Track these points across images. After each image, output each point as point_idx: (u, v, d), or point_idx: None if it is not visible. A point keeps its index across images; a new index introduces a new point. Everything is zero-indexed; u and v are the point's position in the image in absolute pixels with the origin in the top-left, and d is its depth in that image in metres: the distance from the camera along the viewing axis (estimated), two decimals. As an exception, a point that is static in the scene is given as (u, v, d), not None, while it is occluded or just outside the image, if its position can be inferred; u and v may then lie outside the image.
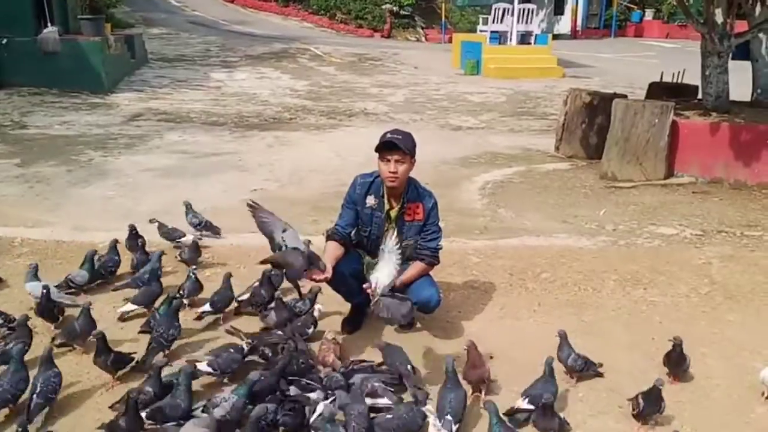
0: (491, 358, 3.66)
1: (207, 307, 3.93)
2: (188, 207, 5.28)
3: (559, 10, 30.67)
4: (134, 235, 4.67)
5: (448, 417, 2.90)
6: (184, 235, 4.93)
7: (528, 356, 3.67)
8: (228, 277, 4.05)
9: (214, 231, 5.32)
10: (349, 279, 3.82)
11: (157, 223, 4.97)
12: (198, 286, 4.10)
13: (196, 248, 4.73)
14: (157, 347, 3.37)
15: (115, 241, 4.52)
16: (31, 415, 2.86)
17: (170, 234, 4.94)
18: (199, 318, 3.95)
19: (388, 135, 3.63)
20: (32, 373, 3.01)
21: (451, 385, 3.02)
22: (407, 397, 3.12)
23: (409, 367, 3.27)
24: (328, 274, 3.53)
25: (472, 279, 4.70)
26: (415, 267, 3.79)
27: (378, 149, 3.63)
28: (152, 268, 4.11)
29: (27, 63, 12.18)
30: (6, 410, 2.97)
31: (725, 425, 3.15)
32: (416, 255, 3.80)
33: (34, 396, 2.90)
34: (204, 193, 6.67)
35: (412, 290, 3.78)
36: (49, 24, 12.73)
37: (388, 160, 3.59)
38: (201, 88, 14.04)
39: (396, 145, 3.56)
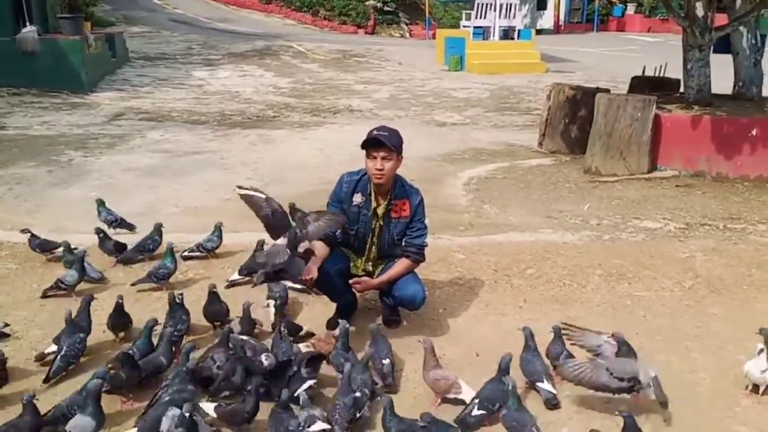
0: (477, 355, 3.65)
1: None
2: (101, 204, 5.23)
3: (541, 4, 30.63)
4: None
5: None
6: (59, 246, 4.65)
7: (514, 352, 3.65)
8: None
9: (129, 228, 5.27)
10: (335, 278, 3.79)
11: (29, 234, 4.78)
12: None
13: None
14: None
15: (160, 224, 4.84)
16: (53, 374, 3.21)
17: (44, 246, 4.75)
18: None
19: (375, 132, 3.61)
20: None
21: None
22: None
23: (387, 361, 3.29)
24: (314, 274, 3.51)
25: (457, 276, 4.68)
26: (401, 264, 3.78)
27: (364, 146, 3.61)
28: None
29: (6, 63, 11.99)
30: None
31: (711, 419, 3.15)
32: (402, 252, 3.78)
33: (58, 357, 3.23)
34: (186, 192, 6.61)
35: (398, 287, 3.78)
36: (27, 23, 12.55)
37: (375, 157, 3.57)
38: (183, 86, 13.92)
39: (382, 142, 3.54)
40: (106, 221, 5.18)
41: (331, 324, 3.89)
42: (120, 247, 4.78)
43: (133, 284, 4.33)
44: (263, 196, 3.48)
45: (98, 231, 4.81)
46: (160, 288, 4.29)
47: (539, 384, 3.24)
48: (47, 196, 6.37)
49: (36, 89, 12.09)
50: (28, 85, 12.14)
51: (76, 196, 6.42)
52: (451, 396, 3.18)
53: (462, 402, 3.14)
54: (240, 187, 3.54)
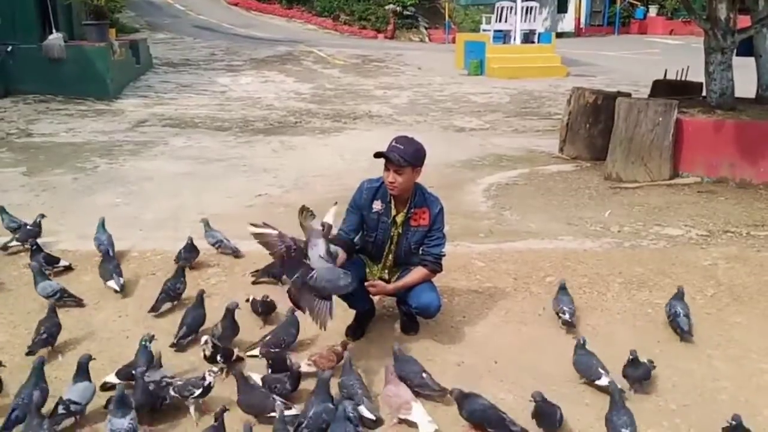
0: (495, 363, 3.67)
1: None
2: (2, 210, 5.20)
3: (562, 8, 30.56)
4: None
5: None
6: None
7: (533, 361, 3.68)
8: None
9: (30, 235, 5.00)
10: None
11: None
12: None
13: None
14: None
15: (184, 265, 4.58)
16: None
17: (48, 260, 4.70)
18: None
19: (393, 143, 3.62)
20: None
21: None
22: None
23: (424, 375, 3.28)
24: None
25: (477, 283, 4.69)
26: (418, 272, 3.80)
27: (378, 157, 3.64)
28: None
29: (32, 70, 12.23)
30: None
31: (732, 429, 3.13)
32: (419, 260, 3.81)
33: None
34: (209, 199, 6.69)
35: (413, 295, 3.80)
36: (54, 30, 12.73)
37: (388, 169, 3.60)
38: (206, 92, 14.08)
39: (389, 158, 3.56)
40: (9, 228, 5.12)
41: (351, 331, 3.93)
42: (51, 260, 4.67)
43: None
44: (275, 233, 3.33)
45: (32, 243, 4.76)
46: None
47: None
48: (73, 203, 6.49)
49: (62, 96, 12.31)
50: (54, 92, 12.36)
51: (102, 203, 6.53)
52: (401, 415, 3.09)
53: (412, 424, 3.07)
54: (253, 225, 3.41)
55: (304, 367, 3.40)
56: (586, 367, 3.44)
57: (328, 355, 3.53)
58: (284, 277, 3.73)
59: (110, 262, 4.55)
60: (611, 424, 2.93)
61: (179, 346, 3.75)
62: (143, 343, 3.32)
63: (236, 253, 5.06)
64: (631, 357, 3.37)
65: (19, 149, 8.74)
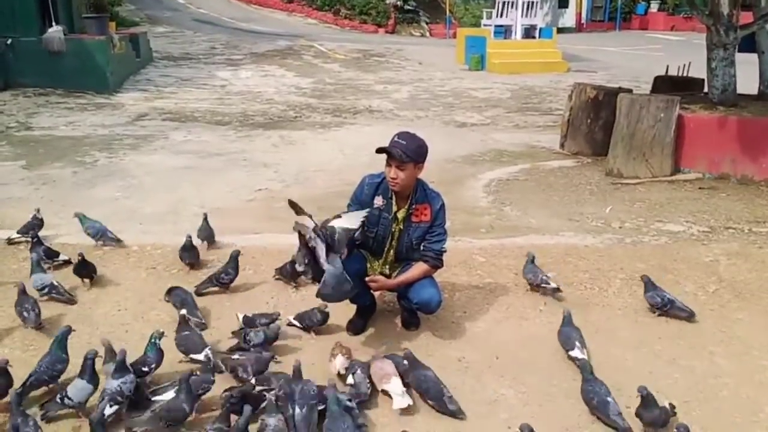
0: (497, 358, 3.66)
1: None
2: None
3: (563, 3, 30.48)
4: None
5: None
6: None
7: (534, 356, 3.67)
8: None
9: None
10: (353, 279, 3.80)
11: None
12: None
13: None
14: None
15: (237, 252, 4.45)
16: None
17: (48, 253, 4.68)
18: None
19: (395, 138, 3.60)
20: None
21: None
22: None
23: (445, 391, 3.20)
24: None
25: (478, 279, 4.68)
26: (418, 267, 3.78)
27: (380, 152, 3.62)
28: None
29: (32, 63, 12.18)
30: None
31: (734, 425, 3.13)
32: (420, 256, 3.79)
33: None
34: (209, 193, 6.68)
35: (413, 290, 3.78)
36: (53, 23, 12.70)
37: (390, 165, 3.58)
38: (206, 86, 14.04)
39: (391, 154, 3.55)
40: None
41: (353, 326, 3.92)
42: (51, 254, 4.66)
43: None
44: (312, 226, 3.40)
45: (33, 236, 4.80)
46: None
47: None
48: (72, 197, 6.46)
49: (61, 89, 12.26)
50: (54, 86, 12.31)
51: (102, 197, 6.51)
52: (382, 386, 3.21)
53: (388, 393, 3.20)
54: (295, 208, 3.39)
55: (344, 362, 3.38)
56: (566, 338, 3.68)
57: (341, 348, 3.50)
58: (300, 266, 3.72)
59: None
60: (587, 395, 3.15)
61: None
62: (153, 340, 3.29)
63: (119, 244, 5.05)
64: (642, 394, 3.01)
65: (19, 142, 8.72)
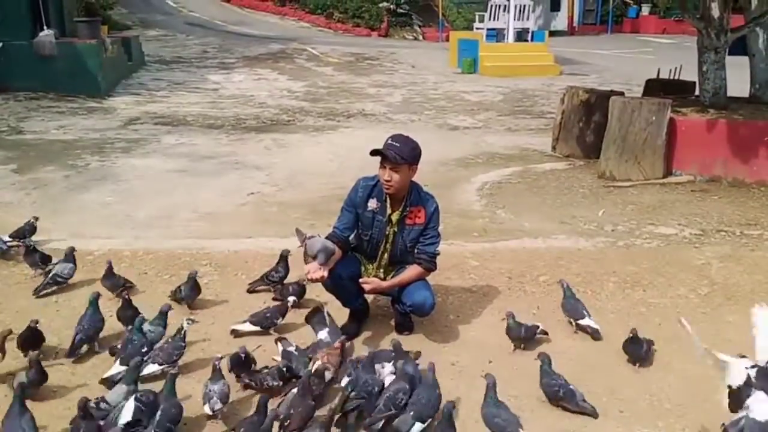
0: (490, 362, 3.66)
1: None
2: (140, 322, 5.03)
3: (555, 6, 30.56)
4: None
5: None
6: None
7: (527, 360, 3.67)
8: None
9: None
10: (347, 282, 3.80)
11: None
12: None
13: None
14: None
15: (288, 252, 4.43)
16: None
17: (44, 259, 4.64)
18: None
19: (389, 141, 3.62)
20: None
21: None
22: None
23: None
24: (325, 273, 3.52)
25: (471, 282, 4.68)
26: (413, 270, 3.79)
27: (374, 155, 3.63)
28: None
29: (23, 67, 12.09)
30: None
31: (726, 428, 3.13)
32: (414, 259, 3.80)
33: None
34: (202, 197, 6.66)
35: (407, 293, 3.79)
36: (45, 27, 12.61)
37: (384, 167, 3.59)
38: (198, 90, 13.99)
39: (386, 156, 3.55)
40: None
41: (346, 330, 3.91)
42: (45, 259, 4.62)
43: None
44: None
45: (27, 243, 4.77)
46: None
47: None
48: (64, 201, 6.43)
49: (53, 93, 12.18)
50: (45, 89, 12.23)
51: (93, 201, 6.48)
52: None
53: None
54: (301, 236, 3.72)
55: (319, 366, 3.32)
56: (573, 308, 3.95)
57: (331, 352, 3.46)
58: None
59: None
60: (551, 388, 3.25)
61: None
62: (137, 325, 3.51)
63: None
64: (631, 335, 3.60)
65: (10, 146, 8.66)
